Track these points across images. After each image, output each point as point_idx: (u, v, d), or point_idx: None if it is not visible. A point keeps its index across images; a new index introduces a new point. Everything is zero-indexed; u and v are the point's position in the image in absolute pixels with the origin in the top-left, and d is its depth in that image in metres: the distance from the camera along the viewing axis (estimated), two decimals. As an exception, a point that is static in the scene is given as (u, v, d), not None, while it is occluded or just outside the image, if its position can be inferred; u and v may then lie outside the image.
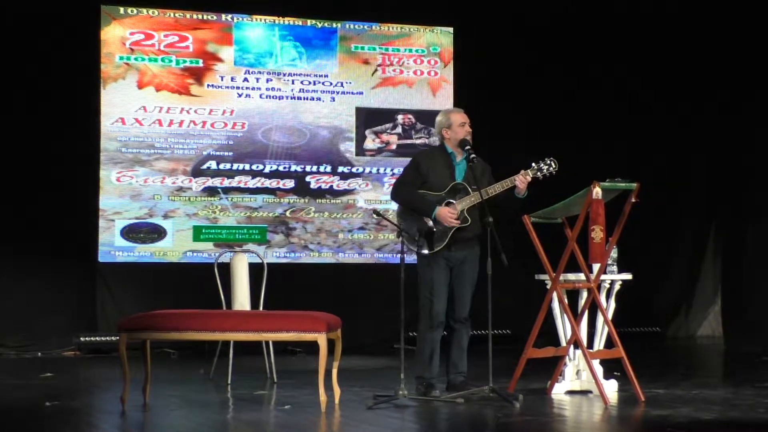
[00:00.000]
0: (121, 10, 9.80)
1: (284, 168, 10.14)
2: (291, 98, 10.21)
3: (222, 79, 10.02)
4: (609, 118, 10.78)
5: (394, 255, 10.08)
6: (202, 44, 10.00)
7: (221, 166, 9.97)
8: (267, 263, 7.57)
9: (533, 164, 6.33)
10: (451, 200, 6.33)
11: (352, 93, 10.36)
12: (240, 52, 10.10)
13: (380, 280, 9.54)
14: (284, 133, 10.19)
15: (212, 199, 9.94)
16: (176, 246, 9.82)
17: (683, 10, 10.77)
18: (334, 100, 10.31)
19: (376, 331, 9.78)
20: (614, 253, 6.60)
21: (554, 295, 6.43)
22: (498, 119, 10.12)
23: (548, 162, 6.34)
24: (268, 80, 10.15)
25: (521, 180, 6.25)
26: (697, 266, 11.27)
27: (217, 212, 9.94)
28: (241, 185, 10.01)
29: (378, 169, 10.38)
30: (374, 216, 9.70)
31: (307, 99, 10.25)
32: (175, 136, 9.87)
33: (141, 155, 9.78)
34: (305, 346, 9.11)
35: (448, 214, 6.26)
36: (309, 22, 10.30)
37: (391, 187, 6.94)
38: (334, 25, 10.36)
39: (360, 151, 10.36)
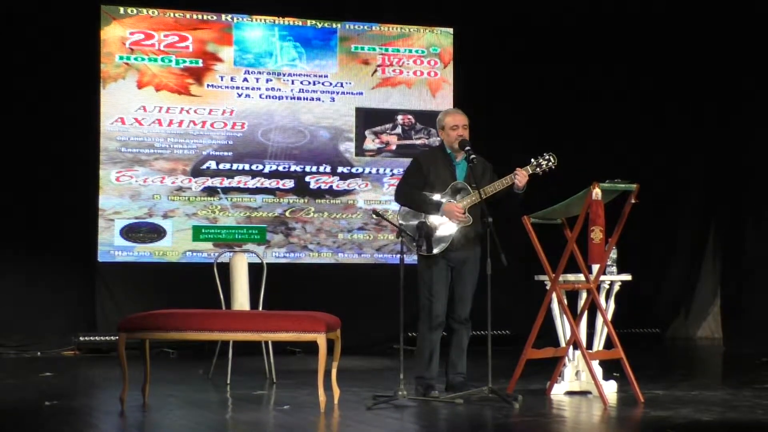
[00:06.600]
0: (121, 10, 9.80)
1: (284, 168, 10.14)
2: (291, 98, 10.20)
3: (222, 79, 10.02)
4: (609, 118, 10.77)
5: (394, 255, 10.08)
6: (201, 44, 10.00)
7: (221, 166, 9.97)
8: (266, 263, 7.56)
9: (532, 159, 6.32)
10: (452, 200, 6.32)
11: (352, 93, 10.36)
12: (240, 52, 10.09)
13: (380, 280, 9.54)
14: (284, 133, 10.19)
15: (212, 199, 9.94)
16: (176, 246, 9.82)
17: (686, 12, 10.77)
18: (333, 101, 10.31)
19: (376, 331, 9.76)
20: (614, 254, 6.60)
21: (554, 295, 6.43)
22: (497, 120, 10.12)
23: (547, 157, 6.32)
24: (267, 80, 10.14)
25: (521, 176, 6.23)
26: (696, 267, 11.26)
27: (216, 212, 9.94)
28: (241, 185, 10.01)
29: (378, 170, 10.38)
30: (374, 216, 9.69)
31: (306, 99, 10.25)
32: (174, 135, 9.87)
33: (141, 155, 9.78)
34: (304, 346, 9.10)
35: (455, 209, 6.25)
36: (309, 22, 10.30)
37: (392, 189, 6.94)
38: (334, 26, 10.35)
39: (360, 151, 10.36)
